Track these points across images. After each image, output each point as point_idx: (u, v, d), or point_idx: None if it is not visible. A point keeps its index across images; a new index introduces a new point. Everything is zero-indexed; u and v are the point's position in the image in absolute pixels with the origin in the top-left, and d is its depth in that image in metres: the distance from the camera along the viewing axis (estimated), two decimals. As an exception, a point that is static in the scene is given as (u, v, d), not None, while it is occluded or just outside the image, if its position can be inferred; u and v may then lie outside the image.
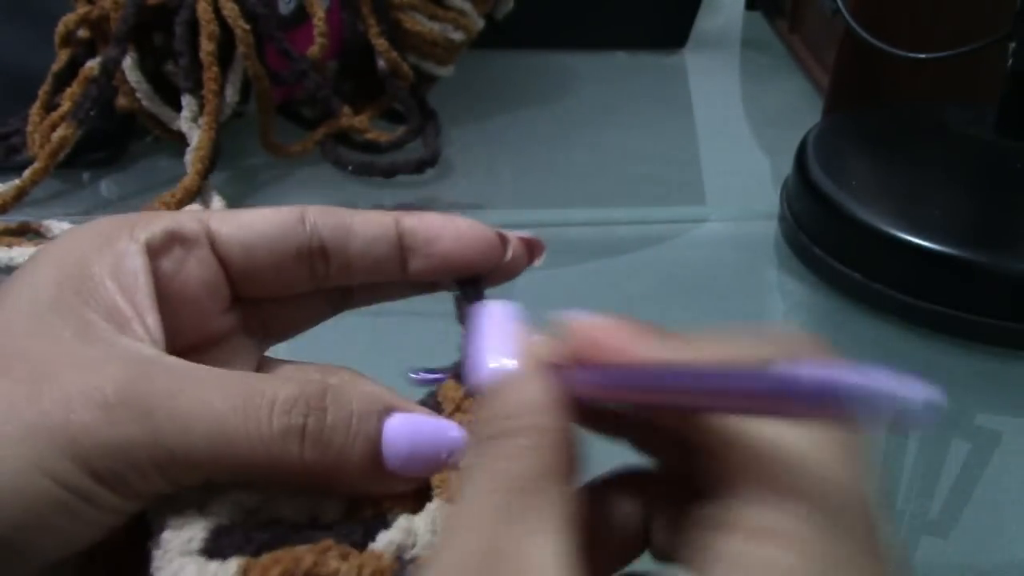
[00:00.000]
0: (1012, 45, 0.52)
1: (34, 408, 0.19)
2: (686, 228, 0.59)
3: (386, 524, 0.21)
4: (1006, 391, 0.45)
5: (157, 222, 0.24)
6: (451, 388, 0.23)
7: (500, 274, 0.26)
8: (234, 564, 0.19)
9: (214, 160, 0.56)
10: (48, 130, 0.55)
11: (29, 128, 0.56)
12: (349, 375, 0.25)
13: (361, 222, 0.25)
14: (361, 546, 0.20)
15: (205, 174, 0.55)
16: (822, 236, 0.52)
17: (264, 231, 0.24)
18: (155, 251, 0.23)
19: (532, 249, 0.27)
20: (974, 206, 0.53)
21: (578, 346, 0.20)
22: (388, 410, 0.21)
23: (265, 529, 0.20)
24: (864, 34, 0.58)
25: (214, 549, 0.20)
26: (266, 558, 0.19)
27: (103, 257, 0.22)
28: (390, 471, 0.21)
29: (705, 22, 0.85)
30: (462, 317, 0.25)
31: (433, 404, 0.23)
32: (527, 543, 0.17)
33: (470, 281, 0.26)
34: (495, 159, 0.65)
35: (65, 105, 0.55)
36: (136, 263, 0.22)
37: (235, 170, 0.61)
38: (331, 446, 0.20)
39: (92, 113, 0.55)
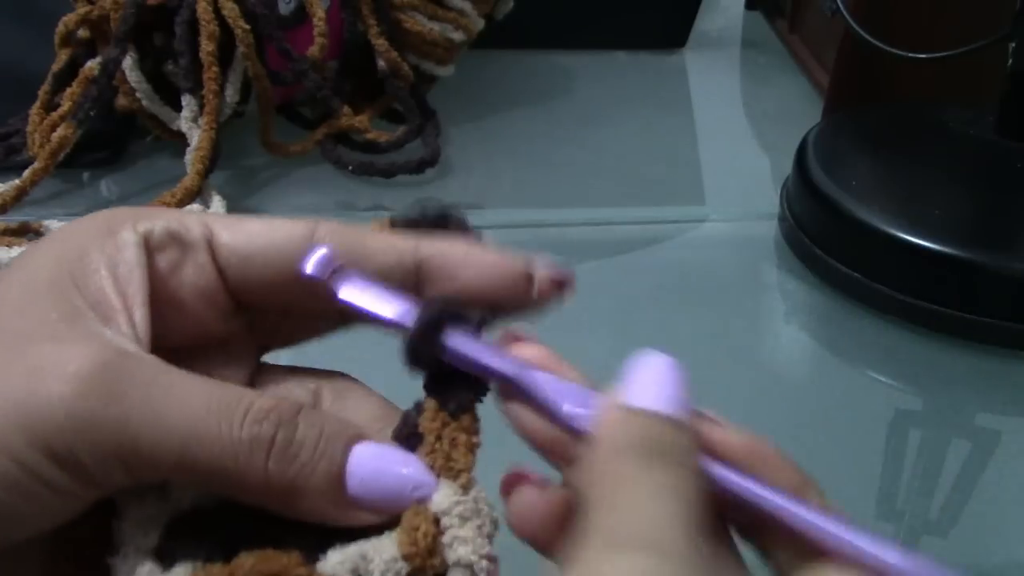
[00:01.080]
0: (1012, 45, 0.52)
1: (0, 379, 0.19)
2: (686, 228, 0.59)
3: (340, 539, 0.20)
4: (1006, 391, 0.45)
5: (160, 218, 0.23)
6: (431, 417, 0.22)
7: (521, 310, 0.24)
8: (182, 572, 0.19)
9: (214, 160, 0.56)
10: (48, 130, 0.55)
11: (29, 128, 0.56)
12: (345, 383, 0.25)
13: (377, 247, 0.24)
14: (311, 559, 0.20)
15: (205, 174, 0.55)
16: (822, 236, 0.52)
17: (266, 245, 0.23)
18: (153, 247, 0.23)
19: (561, 287, 0.25)
20: (974, 206, 0.53)
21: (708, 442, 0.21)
22: (358, 437, 0.21)
23: (216, 529, 0.20)
24: (864, 34, 0.58)
25: (166, 551, 0.20)
26: (214, 568, 0.19)
27: (102, 245, 0.22)
28: (351, 499, 0.21)
29: (705, 22, 0.85)
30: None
31: (410, 432, 0.22)
32: None
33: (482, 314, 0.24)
34: (495, 159, 0.65)
35: (65, 105, 0.55)
36: (133, 255, 0.22)
37: (235, 170, 0.61)
38: (295, 461, 0.20)
39: (92, 113, 0.55)
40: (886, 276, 0.49)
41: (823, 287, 0.52)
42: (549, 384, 0.22)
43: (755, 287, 0.54)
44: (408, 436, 0.22)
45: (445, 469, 0.21)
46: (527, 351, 0.23)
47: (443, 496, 0.20)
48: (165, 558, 0.20)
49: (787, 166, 0.57)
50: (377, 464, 0.21)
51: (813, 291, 0.52)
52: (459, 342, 0.22)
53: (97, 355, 0.20)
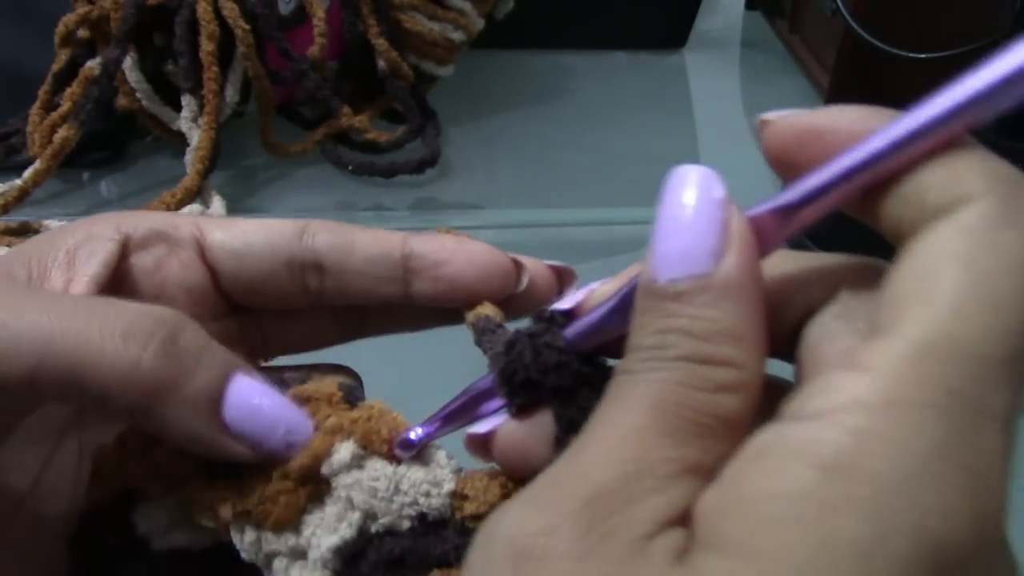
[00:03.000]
0: (1012, 45, 0.52)
1: None
2: (686, 228, 0.59)
3: None
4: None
5: (148, 220, 0.23)
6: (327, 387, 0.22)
7: (519, 303, 0.24)
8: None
9: (214, 160, 0.56)
10: (48, 130, 0.55)
11: (29, 128, 0.56)
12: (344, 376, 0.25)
13: (364, 240, 0.24)
14: None
15: (205, 174, 0.55)
16: (822, 236, 0.52)
17: (256, 239, 0.24)
18: (135, 245, 0.23)
19: (562, 278, 0.25)
20: (974, 206, 0.53)
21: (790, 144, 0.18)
22: (241, 367, 0.21)
23: (374, 567, 0.21)
24: (864, 34, 0.58)
25: None
26: None
27: (75, 236, 0.22)
28: (224, 422, 0.20)
29: (705, 22, 0.85)
30: (480, 342, 0.23)
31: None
32: None
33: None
34: (495, 159, 0.65)
35: (65, 105, 0.55)
36: (100, 247, 0.22)
37: (235, 170, 0.61)
38: (174, 361, 0.19)
39: (92, 113, 0.55)
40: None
41: (823, 287, 0.52)
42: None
43: (755, 287, 0.54)
44: None
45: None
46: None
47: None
48: None
49: (787, 166, 0.57)
50: (257, 395, 0.20)
51: (813, 291, 0.52)
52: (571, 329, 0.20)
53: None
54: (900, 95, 0.67)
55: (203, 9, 0.54)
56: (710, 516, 0.15)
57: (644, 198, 0.71)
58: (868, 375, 0.15)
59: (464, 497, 0.21)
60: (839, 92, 0.67)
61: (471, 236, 0.25)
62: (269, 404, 0.20)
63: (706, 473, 0.16)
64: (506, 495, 0.21)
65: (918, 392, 0.14)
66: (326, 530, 0.20)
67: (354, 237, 0.24)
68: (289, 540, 0.20)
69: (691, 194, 0.18)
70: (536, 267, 0.24)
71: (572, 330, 0.20)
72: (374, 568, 0.20)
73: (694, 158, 0.68)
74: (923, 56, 0.56)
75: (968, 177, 0.16)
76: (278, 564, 0.21)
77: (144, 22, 0.55)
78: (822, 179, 0.18)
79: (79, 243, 0.22)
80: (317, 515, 0.21)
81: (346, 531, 0.20)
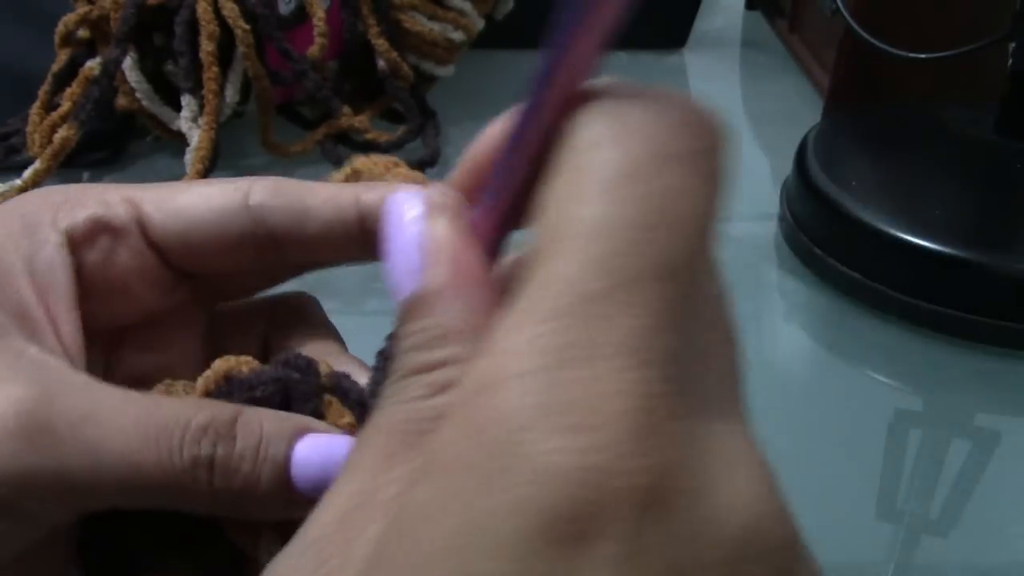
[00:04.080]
0: (1012, 45, 0.52)
1: None
2: (686, 228, 0.59)
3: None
4: (1006, 391, 0.45)
5: (81, 208, 0.22)
6: (336, 413, 0.22)
7: None
8: None
9: (214, 160, 0.56)
10: (48, 130, 0.55)
11: (29, 128, 0.56)
12: (298, 304, 0.25)
13: (315, 205, 0.23)
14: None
15: (205, 174, 0.55)
16: (822, 236, 0.52)
17: (200, 218, 0.23)
18: (78, 242, 0.22)
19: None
20: (974, 206, 0.53)
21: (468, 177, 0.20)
22: (299, 433, 0.21)
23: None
24: (864, 34, 0.58)
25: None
26: None
27: (17, 245, 0.21)
28: (301, 495, 0.20)
29: (705, 22, 0.85)
30: None
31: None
32: None
33: None
34: (495, 159, 0.65)
35: (65, 105, 0.55)
36: (55, 258, 0.21)
37: (235, 170, 0.61)
38: (239, 473, 0.20)
39: (92, 113, 0.55)
40: (886, 276, 0.49)
41: (823, 287, 0.52)
42: None
43: (755, 287, 0.54)
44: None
45: None
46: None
47: None
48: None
49: (787, 166, 0.57)
50: (323, 456, 0.20)
51: (813, 291, 0.52)
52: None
53: (26, 395, 0.19)
54: (900, 95, 0.67)
55: (203, 9, 0.54)
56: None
57: (644, 198, 0.70)
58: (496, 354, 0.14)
59: None
60: (839, 92, 0.67)
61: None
62: (336, 460, 0.20)
63: None
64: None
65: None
66: None
67: (305, 201, 0.23)
68: None
69: (394, 219, 0.19)
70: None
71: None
72: None
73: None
74: (923, 56, 0.56)
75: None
76: None
77: (144, 22, 0.55)
78: (498, 171, 0.19)
79: (30, 259, 0.21)
80: None
81: None
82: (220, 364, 0.22)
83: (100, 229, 0.22)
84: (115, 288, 0.23)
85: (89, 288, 0.22)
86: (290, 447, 0.20)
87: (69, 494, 0.19)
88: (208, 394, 0.21)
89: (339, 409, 0.22)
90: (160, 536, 0.21)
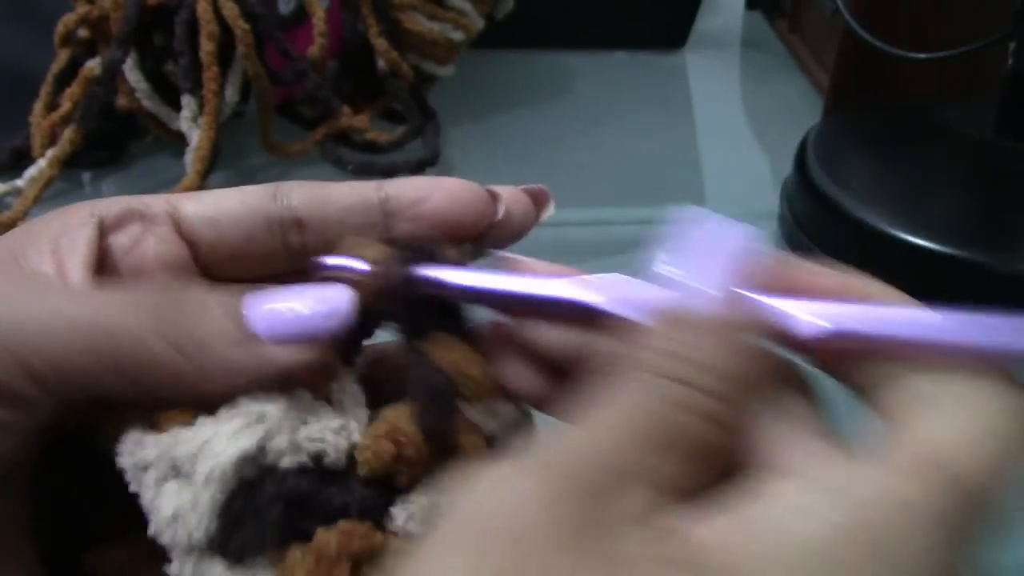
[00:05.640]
0: (1012, 45, 0.52)
1: None
2: (686, 228, 0.59)
3: (399, 492, 0.20)
4: (1006, 391, 0.45)
5: (118, 202, 0.24)
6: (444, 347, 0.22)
7: (500, 233, 0.25)
8: (262, 571, 0.19)
9: (214, 160, 0.56)
10: (48, 130, 0.55)
11: (31, 129, 0.56)
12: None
13: (340, 190, 0.24)
14: (378, 523, 0.20)
15: (205, 174, 0.55)
16: (822, 236, 0.52)
17: (232, 206, 0.24)
18: (110, 226, 0.23)
19: (537, 200, 0.26)
20: (974, 206, 0.53)
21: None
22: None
23: (272, 501, 0.19)
24: (864, 34, 0.58)
25: (228, 545, 0.19)
26: (295, 558, 0.19)
27: (52, 226, 0.23)
28: (255, 335, 0.20)
29: (705, 22, 0.85)
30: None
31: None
32: None
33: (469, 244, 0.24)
34: (495, 159, 0.65)
35: (66, 105, 0.55)
36: (81, 234, 0.22)
37: (235, 170, 0.61)
38: (184, 312, 0.20)
39: (93, 114, 0.55)
40: (886, 276, 0.48)
41: (823, 287, 0.52)
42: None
43: (755, 287, 0.54)
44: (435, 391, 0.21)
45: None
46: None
47: None
48: (229, 555, 0.19)
49: (787, 166, 0.57)
50: (275, 298, 0.21)
51: (813, 291, 0.52)
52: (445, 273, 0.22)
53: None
54: (900, 95, 0.67)
55: (203, 9, 0.54)
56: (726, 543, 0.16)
57: (644, 198, 0.71)
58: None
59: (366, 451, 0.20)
60: (839, 92, 0.67)
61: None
62: (290, 303, 0.21)
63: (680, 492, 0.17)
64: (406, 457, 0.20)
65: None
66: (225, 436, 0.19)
67: (328, 190, 0.24)
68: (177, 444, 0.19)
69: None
70: (511, 194, 0.25)
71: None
72: (272, 502, 0.19)
73: (694, 158, 0.68)
74: (923, 56, 0.56)
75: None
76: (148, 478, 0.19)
77: (144, 22, 0.55)
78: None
79: (58, 233, 0.22)
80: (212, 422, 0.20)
81: (247, 442, 0.19)
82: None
83: (132, 216, 0.23)
84: (139, 273, 0.23)
85: (114, 271, 0.23)
86: (239, 298, 0.21)
87: (29, 356, 0.19)
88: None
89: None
90: (117, 507, 0.21)
